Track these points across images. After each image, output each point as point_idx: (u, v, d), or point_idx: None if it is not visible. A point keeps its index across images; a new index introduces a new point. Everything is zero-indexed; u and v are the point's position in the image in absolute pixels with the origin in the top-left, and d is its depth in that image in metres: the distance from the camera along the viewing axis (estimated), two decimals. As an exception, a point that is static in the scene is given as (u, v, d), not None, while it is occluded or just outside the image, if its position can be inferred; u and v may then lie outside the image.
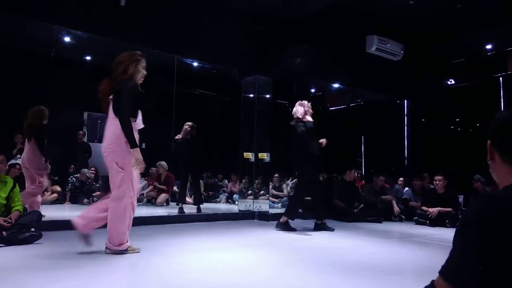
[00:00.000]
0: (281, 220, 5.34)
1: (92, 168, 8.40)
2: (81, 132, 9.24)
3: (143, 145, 6.98)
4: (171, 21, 6.20)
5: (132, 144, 3.26)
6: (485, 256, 0.91)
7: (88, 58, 9.13)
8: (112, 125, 3.32)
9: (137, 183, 3.49)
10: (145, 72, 3.51)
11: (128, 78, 3.38)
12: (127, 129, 3.24)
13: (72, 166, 8.49)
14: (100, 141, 10.57)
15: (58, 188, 7.71)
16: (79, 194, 7.85)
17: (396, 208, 7.10)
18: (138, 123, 3.41)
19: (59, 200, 7.62)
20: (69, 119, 8.68)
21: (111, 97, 3.42)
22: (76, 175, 8.03)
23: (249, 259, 3.51)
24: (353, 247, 4.31)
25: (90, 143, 9.57)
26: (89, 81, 8.51)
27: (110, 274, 2.77)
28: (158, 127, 6.94)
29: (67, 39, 7.02)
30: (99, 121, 10.67)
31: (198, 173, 7.39)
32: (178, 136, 6.70)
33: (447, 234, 5.34)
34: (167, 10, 6.16)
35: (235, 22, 6.90)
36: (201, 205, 6.78)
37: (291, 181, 8.84)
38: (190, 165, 6.67)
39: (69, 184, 7.89)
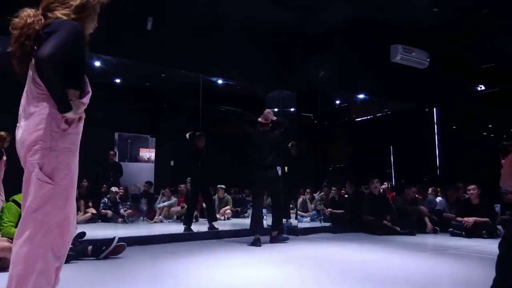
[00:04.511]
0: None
1: (121, 187, 8.67)
2: (112, 152, 9.55)
3: (172, 163, 7.10)
4: (196, 41, 6.35)
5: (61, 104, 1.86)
6: None
7: (118, 80, 9.48)
8: (37, 101, 1.85)
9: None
10: (95, 23, 2.16)
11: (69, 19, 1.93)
12: (55, 83, 1.81)
13: (105, 185, 8.77)
14: (131, 160, 10.95)
15: (93, 211, 8.04)
16: (112, 214, 8.09)
17: (429, 225, 6.80)
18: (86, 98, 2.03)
19: (93, 219, 7.90)
20: (100, 139, 8.98)
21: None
22: (107, 196, 8.30)
23: (276, 275, 3.49)
24: (383, 261, 4.20)
25: (121, 163, 9.88)
26: (119, 103, 8.91)
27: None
28: (185, 145, 7.06)
29: (97, 63, 7.34)
30: (129, 141, 11.03)
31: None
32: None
33: (485, 245, 5.12)
34: (191, 31, 6.32)
35: (258, 38, 6.98)
36: (213, 222, 6.54)
37: (318, 194, 8.74)
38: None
39: (101, 204, 8.19)
